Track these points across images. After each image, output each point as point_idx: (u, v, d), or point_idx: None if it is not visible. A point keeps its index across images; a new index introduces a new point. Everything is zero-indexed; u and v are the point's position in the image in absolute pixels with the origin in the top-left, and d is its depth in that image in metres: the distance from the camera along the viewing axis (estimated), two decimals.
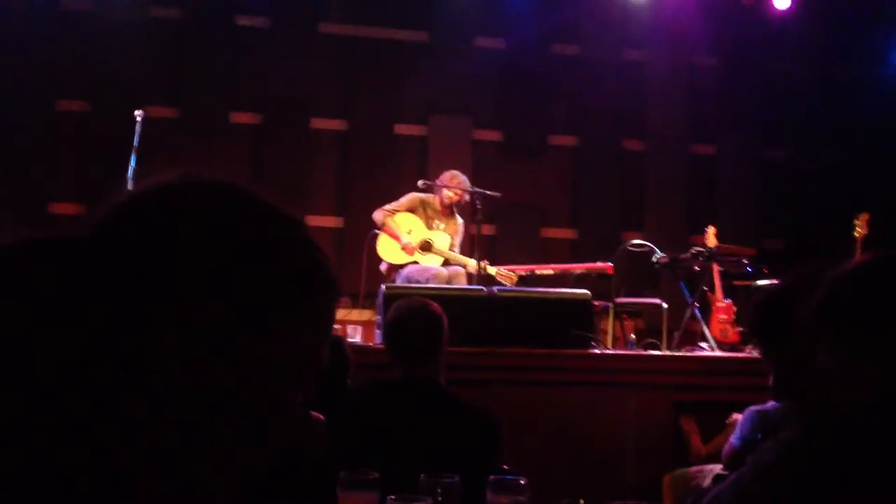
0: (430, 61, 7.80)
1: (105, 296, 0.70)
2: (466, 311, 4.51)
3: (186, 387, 0.71)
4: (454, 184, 6.06)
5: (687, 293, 6.17)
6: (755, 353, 4.45)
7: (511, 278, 5.90)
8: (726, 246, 6.36)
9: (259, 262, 0.75)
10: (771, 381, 1.87)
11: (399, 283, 5.81)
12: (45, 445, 0.66)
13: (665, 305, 6.09)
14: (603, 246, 7.06)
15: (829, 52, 8.26)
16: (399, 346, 2.82)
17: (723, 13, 8.19)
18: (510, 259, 6.48)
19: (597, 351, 4.92)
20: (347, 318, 6.03)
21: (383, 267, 6.08)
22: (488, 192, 5.90)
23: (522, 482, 2.03)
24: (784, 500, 1.24)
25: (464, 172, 6.19)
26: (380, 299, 4.84)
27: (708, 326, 5.95)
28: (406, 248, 5.98)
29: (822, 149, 8.14)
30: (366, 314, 6.27)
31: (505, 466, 2.51)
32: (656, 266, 6.24)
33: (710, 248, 6.21)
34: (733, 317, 6.07)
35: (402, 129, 7.94)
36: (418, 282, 5.73)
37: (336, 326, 2.95)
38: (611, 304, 5.92)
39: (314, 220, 7.42)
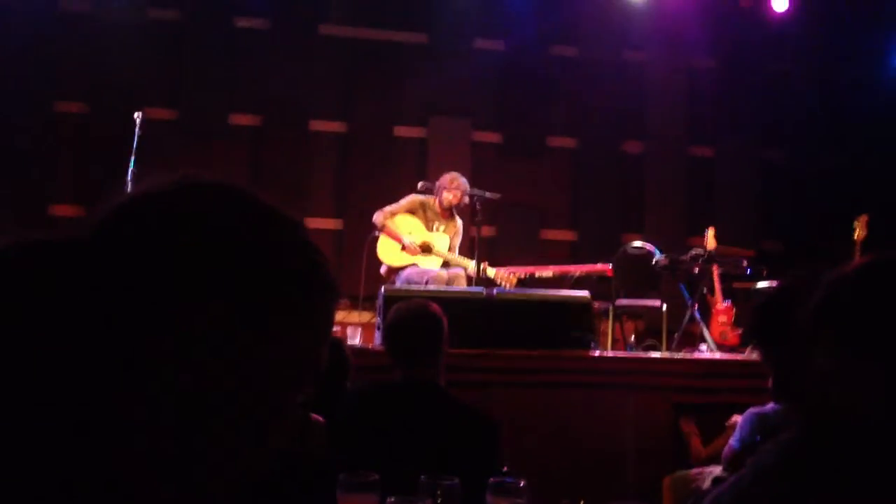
0: (429, 63, 7.80)
1: (105, 297, 0.70)
2: (466, 312, 4.49)
3: (186, 388, 0.71)
4: (454, 186, 6.04)
5: (686, 295, 6.16)
6: (755, 355, 4.45)
7: (510, 280, 5.89)
8: (726, 247, 6.35)
9: (259, 264, 0.75)
10: (770, 383, 1.87)
11: (399, 284, 5.79)
12: (45, 447, 0.66)
13: (665, 307, 6.09)
14: (602, 247, 7.07)
15: (828, 54, 8.26)
16: (399, 347, 2.82)
17: (722, 15, 8.19)
18: (510, 261, 6.47)
19: (596, 353, 4.91)
20: (347, 319, 6.03)
21: (383, 269, 6.07)
22: (488, 194, 5.89)
23: (522, 484, 2.03)
24: (783, 501, 1.24)
25: (463, 174, 6.18)
26: (379, 301, 4.83)
27: (708, 328, 5.95)
28: (408, 249, 5.96)
29: (821, 150, 8.14)
30: (365, 316, 6.28)
31: (505, 468, 2.50)
32: (656, 268, 6.24)
33: (709, 249, 6.21)
34: (733, 318, 6.07)
35: (401, 130, 7.94)
36: (418, 284, 5.72)
37: (336, 328, 2.95)
38: (610, 306, 5.92)
39: (314, 222, 7.41)
